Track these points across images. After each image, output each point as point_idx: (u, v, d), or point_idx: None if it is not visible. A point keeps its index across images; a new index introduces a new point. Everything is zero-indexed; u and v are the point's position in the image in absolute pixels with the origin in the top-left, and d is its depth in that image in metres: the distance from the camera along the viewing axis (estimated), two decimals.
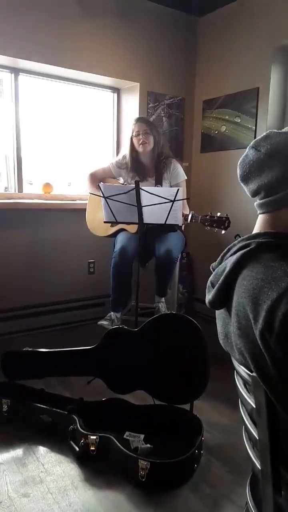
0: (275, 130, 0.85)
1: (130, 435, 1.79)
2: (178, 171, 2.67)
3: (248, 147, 0.89)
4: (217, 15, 3.32)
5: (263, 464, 0.83)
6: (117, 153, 3.46)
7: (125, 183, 2.73)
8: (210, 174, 3.49)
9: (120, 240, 2.59)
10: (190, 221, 2.30)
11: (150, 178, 2.66)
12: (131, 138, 2.61)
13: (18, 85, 2.98)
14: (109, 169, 2.77)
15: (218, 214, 2.22)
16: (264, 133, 0.86)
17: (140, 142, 2.57)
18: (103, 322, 2.60)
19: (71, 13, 2.89)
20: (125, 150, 2.69)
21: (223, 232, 2.20)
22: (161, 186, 2.61)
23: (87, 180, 2.78)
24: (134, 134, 2.59)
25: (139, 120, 2.62)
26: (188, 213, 2.33)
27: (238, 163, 0.90)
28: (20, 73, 2.97)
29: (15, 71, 2.95)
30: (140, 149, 2.59)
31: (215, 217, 2.21)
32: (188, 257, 3.72)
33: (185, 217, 2.30)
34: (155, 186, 2.58)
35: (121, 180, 2.81)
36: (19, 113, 3.00)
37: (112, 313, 2.63)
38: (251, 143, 0.88)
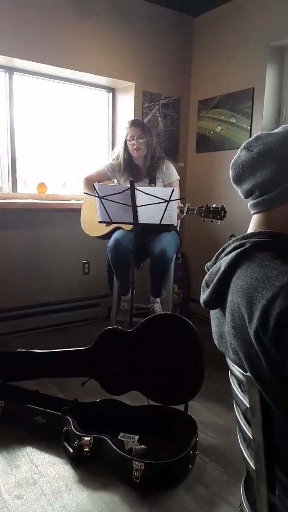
0: (266, 131, 0.86)
1: (125, 436, 1.79)
2: (171, 171, 2.67)
3: (239, 148, 0.89)
4: (212, 15, 3.32)
5: (257, 464, 0.82)
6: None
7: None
8: (205, 175, 3.49)
9: (115, 234, 2.59)
10: (186, 213, 2.30)
11: (143, 179, 2.66)
12: (125, 142, 2.61)
13: (13, 84, 2.96)
14: (103, 170, 2.76)
15: (214, 205, 2.23)
16: (255, 135, 0.87)
17: (134, 148, 2.58)
18: (119, 316, 2.70)
19: (66, 12, 2.88)
20: (118, 151, 2.68)
21: (219, 222, 2.20)
22: (155, 186, 2.61)
23: (82, 184, 2.78)
24: (128, 138, 2.59)
25: (133, 124, 2.61)
26: (183, 205, 2.33)
27: (231, 164, 0.91)
28: (14, 72, 2.96)
29: (10, 70, 2.93)
30: (134, 154, 2.61)
31: (211, 208, 2.21)
32: (184, 258, 3.72)
33: (181, 209, 2.30)
34: (149, 186, 2.58)
35: (116, 182, 2.80)
36: (13, 112, 2.98)
37: (123, 302, 2.70)
38: (243, 144, 0.89)
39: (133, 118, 2.88)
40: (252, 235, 0.85)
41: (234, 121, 3.18)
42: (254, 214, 0.90)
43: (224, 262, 0.84)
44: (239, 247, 0.83)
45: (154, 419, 1.92)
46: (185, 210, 2.29)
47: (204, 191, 3.50)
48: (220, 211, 2.19)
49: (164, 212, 2.19)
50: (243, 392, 0.86)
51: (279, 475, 0.83)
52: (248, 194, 0.88)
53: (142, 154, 2.60)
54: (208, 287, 0.88)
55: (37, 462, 1.73)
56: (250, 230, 0.89)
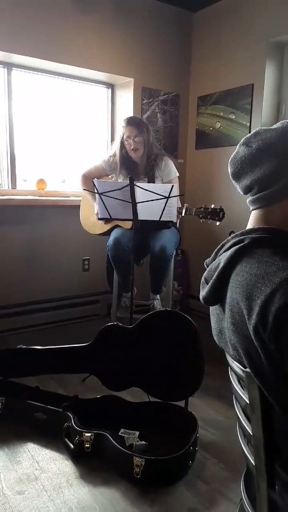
0: (264, 127, 0.86)
1: (125, 432, 1.79)
2: (170, 168, 2.63)
3: (238, 144, 0.89)
4: (211, 11, 3.30)
5: (257, 460, 0.83)
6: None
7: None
8: (204, 171, 3.49)
9: (114, 232, 2.59)
10: (185, 214, 2.28)
11: (142, 178, 2.64)
12: (121, 141, 2.57)
13: (11, 80, 2.95)
14: (101, 166, 2.73)
15: (212, 206, 2.20)
16: (254, 131, 0.87)
17: (131, 148, 2.53)
18: (120, 313, 2.68)
19: (65, 8, 2.86)
20: (115, 150, 2.64)
21: (217, 223, 2.18)
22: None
23: (80, 181, 2.75)
24: (124, 138, 2.54)
25: (128, 123, 2.54)
26: (181, 206, 2.31)
27: (229, 160, 0.90)
28: (13, 68, 2.94)
29: (8, 65, 2.92)
30: (132, 154, 2.56)
31: (210, 209, 2.19)
32: (183, 254, 3.72)
33: (179, 210, 2.29)
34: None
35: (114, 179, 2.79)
36: (12, 109, 2.97)
37: (124, 298, 2.69)
38: (241, 140, 0.88)
39: (129, 116, 2.84)
40: (251, 231, 0.85)
41: (234, 117, 3.17)
42: (253, 210, 0.89)
43: (223, 258, 0.84)
44: (238, 243, 0.83)
45: (154, 415, 1.92)
46: (184, 211, 2.27)
47: (203, 187, 3.49)
48: (218, 212, 2.16)
49: (163, 209, 2.19)
50: (242, 388, 0.86)
51: (279, 471, 0.83)
52: (247, 190, 0.88)
53: (140, 154, 2.56)
54: (207, 283, 0.88)
55: (38, 458, 1.74)
56: (249, 226, 0.89)
